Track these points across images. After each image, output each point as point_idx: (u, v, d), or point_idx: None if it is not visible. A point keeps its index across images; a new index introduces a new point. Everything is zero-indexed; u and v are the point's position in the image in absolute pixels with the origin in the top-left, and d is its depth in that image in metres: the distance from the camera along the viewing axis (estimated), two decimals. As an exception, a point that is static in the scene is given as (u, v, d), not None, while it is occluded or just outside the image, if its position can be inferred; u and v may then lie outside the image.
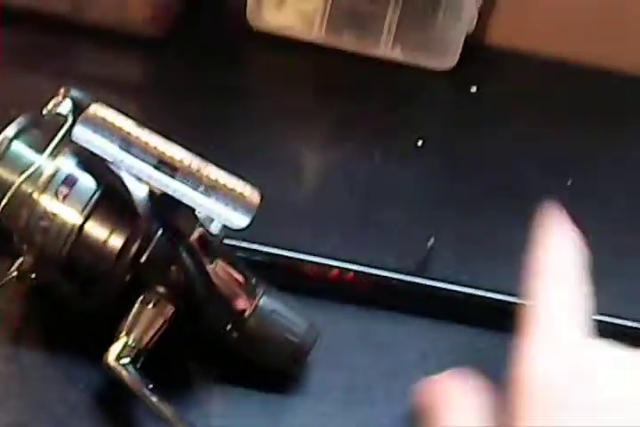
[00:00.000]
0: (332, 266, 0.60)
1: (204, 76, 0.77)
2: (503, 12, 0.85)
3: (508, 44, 0.86)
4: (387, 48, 0.82)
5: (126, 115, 0.49)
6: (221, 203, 0.48)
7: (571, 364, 0.38)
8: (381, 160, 0.72)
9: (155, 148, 0.48)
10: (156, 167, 0.48)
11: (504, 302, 0.60)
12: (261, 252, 0.59)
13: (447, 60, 0.81)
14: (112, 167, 0.51)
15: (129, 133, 0.48)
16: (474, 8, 0.81)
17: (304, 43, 0.81)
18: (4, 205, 0.52)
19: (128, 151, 0.48)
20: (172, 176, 0.48)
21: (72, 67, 0.76)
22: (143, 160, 0.48)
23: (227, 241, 0.57)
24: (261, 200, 0.48)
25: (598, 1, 0.83)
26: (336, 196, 0.69)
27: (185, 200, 0.47)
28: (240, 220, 0.48)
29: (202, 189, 0.48)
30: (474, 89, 0.81)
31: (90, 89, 0.56)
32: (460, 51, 0.81)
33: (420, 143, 0.74)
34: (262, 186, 0.65)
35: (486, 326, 0.60)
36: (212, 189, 0.48)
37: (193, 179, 0.48)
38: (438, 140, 0.75)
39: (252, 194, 0.48)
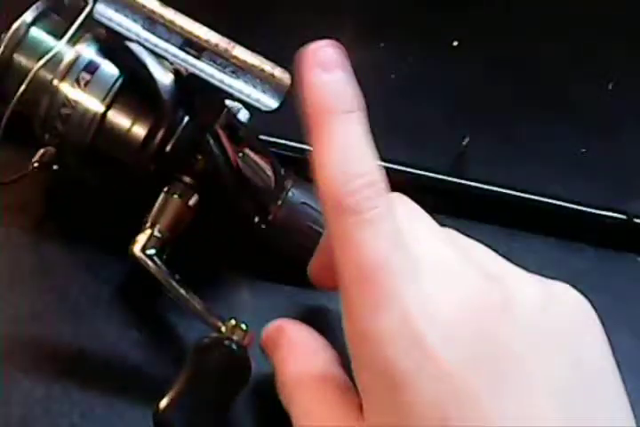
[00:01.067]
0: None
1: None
2: None
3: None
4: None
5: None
6: (250, 84, 0.45)
7: None
8: (415, 60, 0.69)
9: (180, 27, 0.45)
10: (181, 48, 0.45)
11: (544, 203, 0.58)
12: (291, 146, 0.57)
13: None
14: (135, 53, 0.49)
15: (153, 12, 0.45)
16: None
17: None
18: (23, 92, 0.50)
19: (152, 31, 0.45)
20: (199, 57, 0.45)
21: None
22: (168, 40, 0.45)
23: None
24: (292, 82, 0.46)
25: None
26: (367, 96, 0.66)
27: (212, 81, 0.45)
28: (270, 101, 0.45)
29: (230, 69, 0.45)
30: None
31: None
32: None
33: (456, 43, 0.71)
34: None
35: (524, 228, 0.58)
36: (240, 70, 0.45)
37: (220, 60, 0.46)
38: (475, 40, 0.72)
39: (282, 75, 0.46)
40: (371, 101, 0.65)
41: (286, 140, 0.58)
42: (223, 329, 0.47)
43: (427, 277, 0.37)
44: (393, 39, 0.71)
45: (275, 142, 0.57)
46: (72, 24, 0.51)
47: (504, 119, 0.66)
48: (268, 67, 0.46)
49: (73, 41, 0.51)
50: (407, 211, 0.42)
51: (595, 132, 0.66)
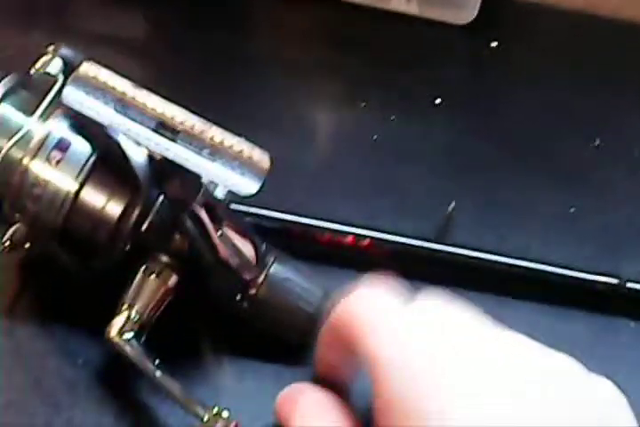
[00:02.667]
0: (346, 232, 0.56)
1: (209, 32, 0.73)
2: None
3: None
4: (402, 2, 0.78)
5: (122, 74, 0.45)
6: (228, 167, 0.44)
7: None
8: (398, 120, 0.68)
9: (153, 109, 0.44)
10: (155, 130, 0.44)
11: (529, 268, 0.57)
12: (272, 218, 0.56)
13: (465, 13, 0.77)
14: (108, 130, 0.48)
15: (124, 94, 0.44)
16: (493, -42, 0.77)
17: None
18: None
19: (124, 113, 0.44)
20: (174, 139, 0.44)
21: (66, 23, 0.73)
22: (141, 123, 0.44)
23: (235, 206, 0.54)
24: (272, 164, 0.45)
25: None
26: (351, 158, 0.65)
27: (188, 165, 0.44)
28: (249, 186, 0.44)
29: (206, 152, 0.44)
30: (494, 44, 0.77)
31: (85, 47, 0.52)
32: (479, 4, 0.77)
33: (438, 102, 0.70)
34: (273, 148, 0.61)
35: (513, 295, 0.57)
36: (217, 152, 0.44)
37: (196, 142, 0.44)
38: (457, 98, 0.71)
39: (261, 157, 0.44)
40: (353, 164, 0.64)
41: (267, 210, 0.56)
42: (205, 418, 0.45)
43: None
44: (374, 99, 0.69)
45: (255, 213, 0.55)
46: (42, 101, 0.49)
47: (490, 180, 0.64)
48: (246, 148, 0.44)
49: (43, 118, 0.49)
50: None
51: (583, 190, 0.65)
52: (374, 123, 0.68)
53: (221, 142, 0.44)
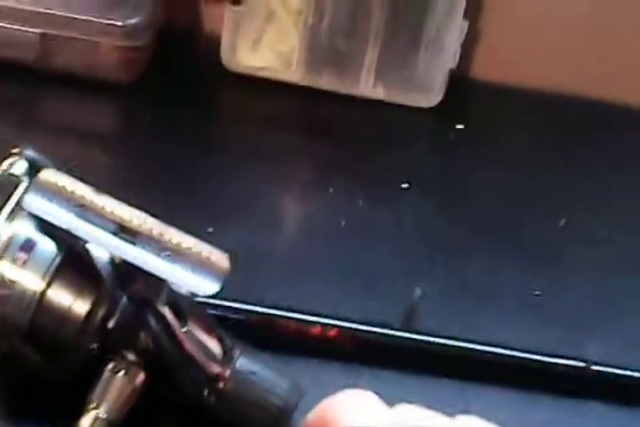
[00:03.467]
0: (313, 322, 0.57)
1: (179, 121, 0.75)
2: (487, 46, 0.83)
3: (495, 79, 0.83)
4: (368, 87, 0.79)
5: (81, 179, 0.46)
6: (187, 270, 0.45)
7: None
8: (365, 205, 0.69)
9: (112, 212, 0.45)
10: (114, 233, 0.45)
11: (499, 355, 0.57)
12: (237, 309, 0.57)
13: (431, 97, 0.79)
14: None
15: (83, 199, 0.45)
16: (456, 43, 0.78)
17: (282, 83, 0.79)
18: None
19: (84, 218, 0.45)
20: (133, 242, 0.45)
21: (36, 117, 0.74)
22: (101, 227, 0.45)
23: (200, 299, 0.54)
24: (231, 265, 0.45)
25: (584, 31, 0.81)
26: (318, 244, 0.66)
27: (147, 268, 0.45)
28: (209, 287, 0.45)
29: (165, 253, 0.45)
30: (460, 126, 0.78)
31: (52, 140, 0.53)
32: (444, 87, 0.78)
33: (405, 185, 0.71)
34: (238, 236, 0.63)
35: (480, 381, 0.57)
36: (176, 254, 0.45)
37: (155, 244, 0.45)
38: (425, 181, 0.73)
39: (220, 259, 0.45)
40: (321, 250, 0.65)
41: (232, 301, 0.57)
42: None
43: None
44: (341, 184, 0.70)
45: (220, 305, 0.56)
46: (7, 202, 0.50)
47: (457, 263, 0.65)
48: (204, 250, 0.45)
49: (9, 219, 0.50)
50: None
51: (549, 272, 0.65)
52: (342, 208, 0.69)
53: (180, 244, 0.45)
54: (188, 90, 0.78)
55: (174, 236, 0.45)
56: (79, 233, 0.45)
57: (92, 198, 0.45)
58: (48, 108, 0.76)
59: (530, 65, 0.82)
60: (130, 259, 0.44)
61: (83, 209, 0.45)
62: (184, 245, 0.45)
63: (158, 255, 0.45)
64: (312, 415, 0.47)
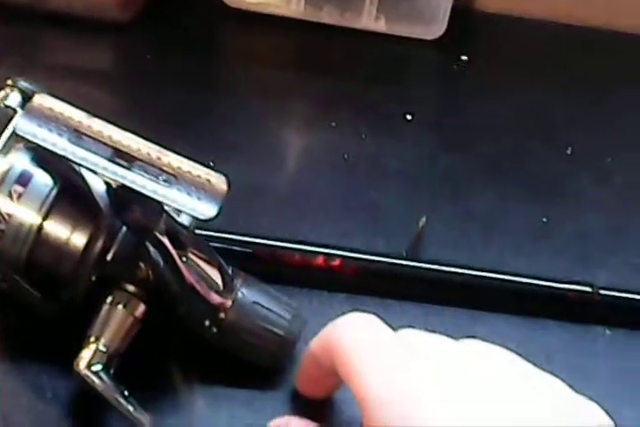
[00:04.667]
0: (316, 252, 0.56)
1: (178, 59, 0.74)
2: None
3: (499, 9, 0.82)
4: (370, 20, 0.78)
5: (77, 105, 0.45)
6: (185, 192, 0.44)
7: None
8: (369, 138, 0.68)
9: (109, 138, 0.44)
10: (110, 159, 0.44)
11: (504, 281, 0.57)
12: (240, 241, 0.56)
13: (434, 28, 0.77)
14: (69, 160, 0.47)
15: (78, 124, 0.44)
16: (459, -27, 0.77)
17: (282, 19, 0.77)
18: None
19: (79, 144, 0.44)
20: (129, 168, 0.44)
21: (36, 57, 0.73)
22: (96, 152, 0.44)
23: (202, 231, 0.54)
24: (229, 187, 0.45)
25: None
26: (322, 178, 0.65)
27: (145, 192, 0.44)
28: (207, 209, 0.44)
29: (163, 178, 0.44)
30: (464, 57, 0.77)
31: (50, 79, 0.52)
32: (447, 18, 0.77)
33: (409, 117, 0.70)
34: (242, 170, 0.62)
35: (486, 309, 0.57)
36: (173, 178, 0.44)
37: (152, 168, 0.44)
38: (429, 113, 0.72)
39: (218, 181, 0.44)
40: (324, 184, 0.64)
41: (232, 234, 0.56)
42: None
43: None
44: (344, 118, 0.69)
45: (221, 237, 0.55)
46: (1, 134, 0.49)
47: (462, 194, 0.64)
48: (202, 173, 0.44)
49: (4, 152, 0.49)
50: None
51: (555, 200, 0.65)
52: (345, 142, 0.68)
53: (177, 168, 0.44)
54: (188, 28, 0.77)
55: (172, 160, 0.44)
56: (74, 158, 0.44)
57: (88, 124, 0.44)
58: (46, 48, 0.75)
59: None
60: (127, 183, 0.44)
61: (78, 134, 0.44)
62: (182, 168, 0.44)
63: (155, 179, 0.44)
64: (317, 339, 0.47)
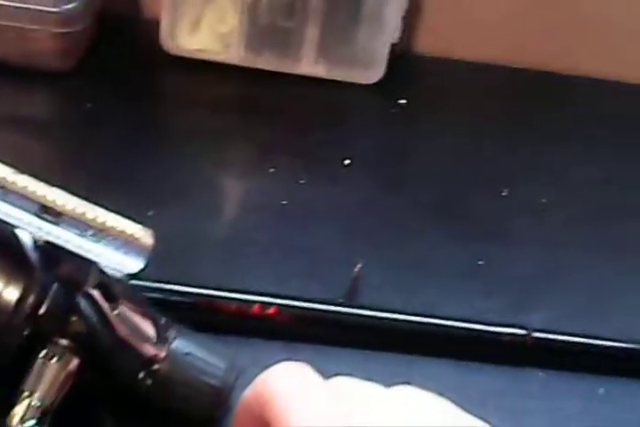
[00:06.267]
0: (252, 301, 0.56)
1: (119, 106, 0.74)
2: (429, 20, 0.82)
3: (438, 53, 0.83)
4: (309, 65, 0.79)
5: (2, 161, 0.46)
6: (111, 247, 0.44)
7: None
8: (307, 183, 0.69)
9: (34, 193, 0.44)
10: (37, 214, 0.44)
11: (440, 325, 0.57)
12: (176, 291, 0.56)
13: (373, 73, 0.78)
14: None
15: (4, 180, 0.44)
16: (397, 18, 0.78)
17: (223, 65, 0.78)
18: None
19: (4, 199, 0.44)
20: (56, 223, 0.44)
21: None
22: (23, 208, 0.44)
23: (138, 282, 0.54)
24: (156, 241, 0.45)
25: (522, 7, 0.81)
26: (260, 225, 0.65)
27: (70, 247, 0.44)
28: (133, 264, 0.44)
29: (90, 233, 0.44)
30: (403, 101, 0.78)
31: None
32: (385, 63, 0.78)
33: (347, 162, 0.71)
34: (181, 217, 0.62)
35: (423, 354, 0.57)
36: (100, 232, 0.44)
37: (79, 223, 0.44)
38: (367, 158, 0.72)
39: (144, 235, 0.44)
40: (262, 231, 0.65)
41: (170, 284, 0.56)
42: None
43: None
44: (283, 163, 0.70)
45: (158, 288, 0.56)
46: None
47: (399, 238, 0.65)
48: (128, 228, 0.45)
49: None
50: None
51: (491, 242, 0.65)
52: (283, 188, 0.68)
53: (103, 223, 0.44)
54: (129, 75, 0.78)
55: (99, 215, 0.44)
56: (0, 215, 0.44)
57: (13, 179, 0.44)
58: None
59: (470, 39, 0.82)
60: (53, 239, 0.44)
61: (3, 190, 0.44)
62: (108, 223, 0.44)
63: (82, 234, 0.44)
64: (249, 389, 0.47)
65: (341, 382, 0.45)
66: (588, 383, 0.57)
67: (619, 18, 0.81)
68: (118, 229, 0.44)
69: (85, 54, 0.77)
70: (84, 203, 0.45)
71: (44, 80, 0.74)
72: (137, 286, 0.53)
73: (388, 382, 0.46)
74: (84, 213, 0.44)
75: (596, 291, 0.62)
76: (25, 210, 0.44)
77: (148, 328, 0.50)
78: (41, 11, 0.73)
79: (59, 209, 0.44)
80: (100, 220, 0.44)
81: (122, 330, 0.49)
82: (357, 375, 0.49)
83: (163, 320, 0.51)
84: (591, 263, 0.64)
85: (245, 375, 0.51)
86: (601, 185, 0.71)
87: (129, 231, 0.45)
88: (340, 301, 0.58)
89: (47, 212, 0.44)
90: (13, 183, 0.44)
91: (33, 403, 0.47)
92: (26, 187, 0.44)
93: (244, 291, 0.57)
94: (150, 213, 0.62)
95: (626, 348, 0.58)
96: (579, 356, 0.57)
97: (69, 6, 0.74)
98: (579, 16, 0.81)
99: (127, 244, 0.44)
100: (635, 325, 0.59)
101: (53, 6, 0.73)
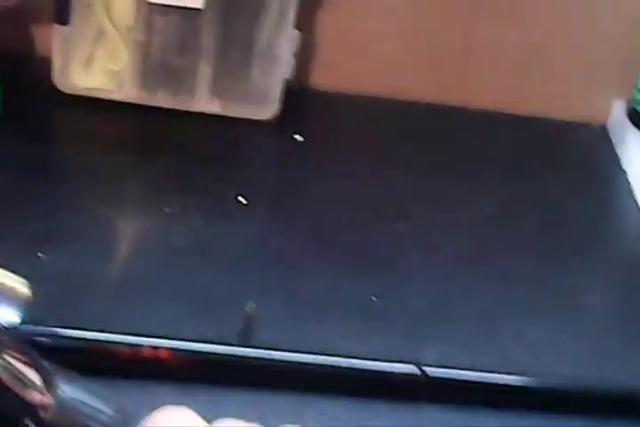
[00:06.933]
0: (143, 345, 0.56)
1: (10, 148, 0.73)
2: (323, 56, 0.83)
3: (334, 88, 0.84)
4: (204, 102, 0.79)
5: None
6: (-11, 299, 0.44)
7: None
8: (201, 222, 0.68)
9: None
10: None
11: (333, 364, 0.57)
12: (65, 336, 0.55)
13: (267, 109, 0.79)
14: None
15: None
16: (289, 53, 0.78)
17: (117, 103, 0.78)
18: None
19: None
20: None
21: None
22: None
23: (26, 326, 0.53)
24: (33, 294, 0.45)
25: (415, 40, 0.82)
26: (151, 265, 0.65)
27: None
28: (10, 316, 0.44)
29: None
30: (299, 137, 0.78)
31: None
32: (279, 99, 0.78)
33: (243, 200, 0.70)
34: (72, 259, 0.62)
35: (318, 393, 0.57)
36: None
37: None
38: (262, 195, 0.73)
39: (20, 287, 0.44)
40: (155, 271, 0.64)
41: (59, 327, 0.55)
42: None
43: None
44: (178, 203, 0.70)
45: (42, 332, 0.55)
46: None
47: (293, 276, 0.65)
48: (7, 280, 0.44)
49: None
50: None
51: (384, 278, 0.66)
52: (177, 227, 0.68)
53: (-20, 274, 0.44)
54: (21, 115, 0.77)
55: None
56: None
57: None
58: None
59: (366, 74, 0.83)
60: None
61: None
62: (-15, 274, 0.44)
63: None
64: None
65: (223, 424, 0.45)
66: (482, 418, 0.57)
67: (511, 51, 0.83)
68: (-4, 280, 0.44)
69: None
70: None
71: None
72: (26, 330, 0.52)
73: (281, 422, 0.46)
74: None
75: (487, 324, 0.63)
76: None
77: (32, 375, 0.49)
78: None
79: None
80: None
81: (5, 378, 0.48)
82: (250, 416, 0.50)
83: (48, 367, 0.50)
84: (480, 297, 0.65)
85: (136, 420, 0.51)
86: (490, 221, 0.72)
87: (7, 284, 0.44)
88: (233, 342, 0.57)
89: None
90: None
91: None
92: None
93: (134, 333, 0.56)
94: (40, 255, 0.61)
95: (517, 380, 0.58)
96: (472, 390, 0.58)
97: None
98: (470, 49, 0.82)
99: (5, 296, 0.44)
100: (521, 356, 0.60)
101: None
